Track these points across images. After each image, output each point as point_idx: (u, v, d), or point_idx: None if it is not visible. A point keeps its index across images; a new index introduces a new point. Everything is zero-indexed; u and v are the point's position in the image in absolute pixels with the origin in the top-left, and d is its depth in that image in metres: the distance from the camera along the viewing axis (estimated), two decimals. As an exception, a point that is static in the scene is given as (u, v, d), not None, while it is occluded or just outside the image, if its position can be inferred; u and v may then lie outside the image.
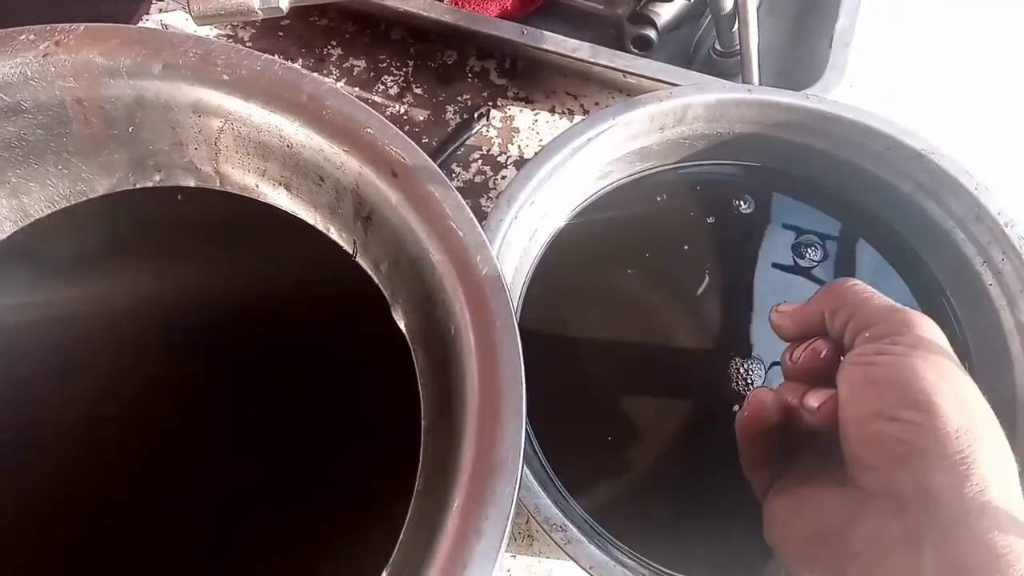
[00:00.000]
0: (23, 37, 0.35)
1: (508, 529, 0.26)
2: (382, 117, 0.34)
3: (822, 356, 0.33)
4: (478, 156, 0.57)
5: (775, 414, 0.34)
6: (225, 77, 0.35)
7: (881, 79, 0.64)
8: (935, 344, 0.30)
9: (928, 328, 0.31)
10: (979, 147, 0.59)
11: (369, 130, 0.34)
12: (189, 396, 0.44)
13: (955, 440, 0.27)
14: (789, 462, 0.35)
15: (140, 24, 0.60)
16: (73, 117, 0.37)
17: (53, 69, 0.35)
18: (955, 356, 0.31)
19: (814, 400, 0.32)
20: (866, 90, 0.63)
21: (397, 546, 0.30)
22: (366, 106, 0.35)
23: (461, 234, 0.32)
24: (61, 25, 0.36)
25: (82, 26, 0.36)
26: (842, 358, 0.33)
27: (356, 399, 0.41)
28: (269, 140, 0.36)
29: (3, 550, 0.40)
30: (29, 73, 0.35)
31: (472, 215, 0.32)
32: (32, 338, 0.43)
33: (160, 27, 0.59)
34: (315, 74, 0.51)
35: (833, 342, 0.34)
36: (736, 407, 0.42)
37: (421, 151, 0.33)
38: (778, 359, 0.40)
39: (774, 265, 0.46)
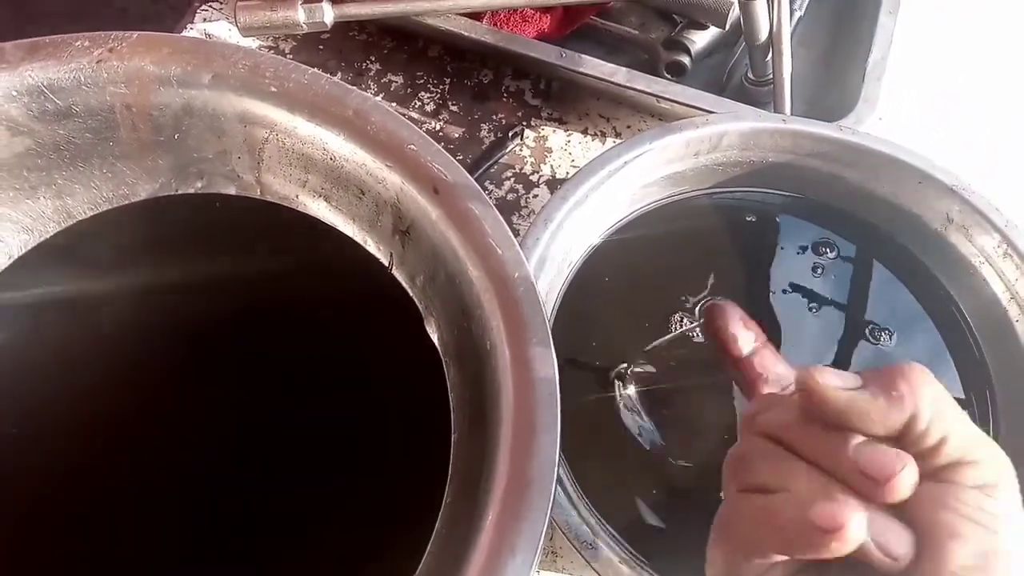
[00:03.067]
0: (78, 44, 0.36)
1: (541, 546, 0.26)
2: (424, 134, 0.35)
3: (912, 483, 0.25)
4: (511, 174, 0.58)
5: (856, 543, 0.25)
6: (273, 89, 0.36)
7: (910, 112, 0.64)
8: None
9: None
10: (1007, 184, 0.60)
11: (412, 147, 0.35)
12: (218, 401, 0.45)
13: None
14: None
15: (184, 32, 0.61)
16: (121, 122, 0.38)
17: (105, 75, 0.36)
18: None
19: (899, 548, 0.25)
20: (895, 123, 0.63)
21: (424, 558, 0.30)
22: (409, 123, 0.35)
23: (499, 251, 0.32)
24: (115, 33, 0.36)
25: (135, 34, 0.37)
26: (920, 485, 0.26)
27: (386, 410, 0.42)
28: (312, 152, 0.37)
29: (6, 544, 0.41)
30: (82, 78, 0.36)
31: (510, 233, 0.33)
32: (64, 333, 0.44)
33: (204, 36, 0.60)
34: (360, 89, 0.52)
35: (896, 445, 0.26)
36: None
37: (462, 169, 0.34)
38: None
39: (800, 291, 0.47)
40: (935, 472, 0.26)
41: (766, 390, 0.32)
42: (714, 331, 0.34)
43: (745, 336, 0.33)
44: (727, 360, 0.34)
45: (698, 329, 0.33)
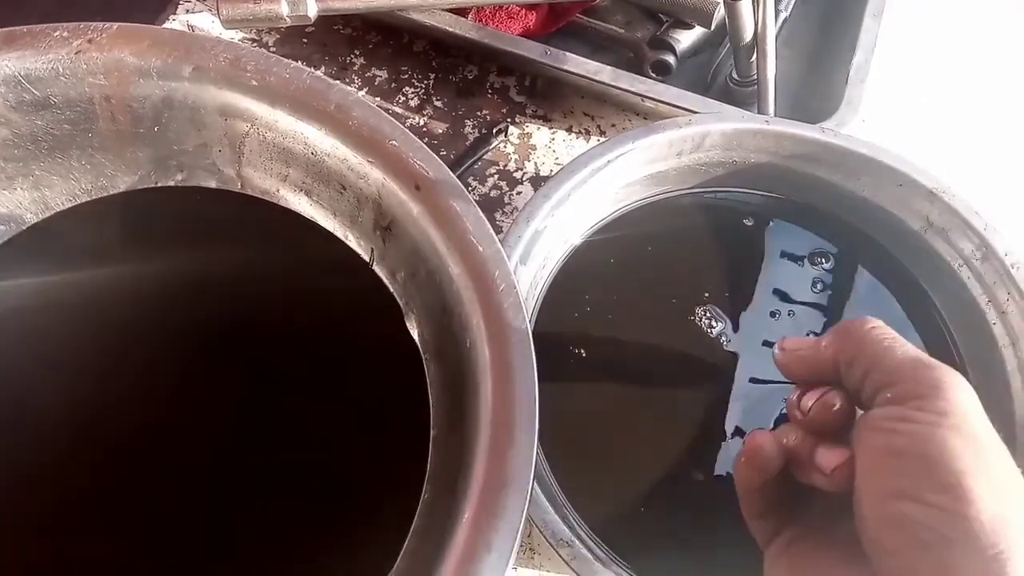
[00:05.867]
0: (57, 34, 0.36)
1: (517, 543, 0.26)
2: (407, 130, 0.35)
3: (835, 409, 0.30)
4: (495, 171, 0.58)
5: (776, 461, 0.30)
6: (254, 83, 0.36)
7: (893, 115, 0.65)
8: (968, 412, 0.26)
9: (960, 391, 0.26)
10: (987, 187, 0.60)
11: (394, 142, 0.34)
12: (192, 396, 0.44)
13: (989, 531, 0.24)
14: (795, 511, 0.32)
15: (167, 24, 0.60)
16: (100, 114, 0.38)
17: (84, 66, 0.36)
18: (991, 426, 0.26)
19: (826, 461, 0.28)
20: (878, 125, 0.63)
21: (401, 555, 0.30)
22: (392, 118, 0.35)
23: (480, 249, 0.32)
24: (94, 24, 0.36)
25: (115, 25, 0.36)
26: (859, 413, 0.30)
27: (365, 407, 0.42)
28: (294, 147, 0.37)
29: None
30: (60, 69, 0.36)
31: (492, 230, 0.33)
32: (41, 327, 0.44)
33: (186, 28, 0.60)
34: (342, 84, 0.52)
35: (848, 392, 0.30)
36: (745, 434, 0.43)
37: (444, 165, 0.34)
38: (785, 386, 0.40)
39: (781, 293, 0.47)
40: (866, 403, 0.29)
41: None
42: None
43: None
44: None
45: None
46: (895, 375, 0.28)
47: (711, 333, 0.45)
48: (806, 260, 0.48)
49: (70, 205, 0.40)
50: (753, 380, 0.44)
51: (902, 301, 0.48)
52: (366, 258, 0.38)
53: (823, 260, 0.48)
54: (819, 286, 0.47)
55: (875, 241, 0.49)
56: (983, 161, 0.63)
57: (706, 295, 0.46)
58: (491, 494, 0.27)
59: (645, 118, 0.61)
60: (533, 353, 0.30)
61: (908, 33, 0.69)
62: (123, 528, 0.42)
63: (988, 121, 0.66)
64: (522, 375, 0.30)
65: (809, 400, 0.30)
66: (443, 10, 0.57)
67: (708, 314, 0.45)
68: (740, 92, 0.62)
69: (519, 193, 0.57)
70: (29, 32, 0.35)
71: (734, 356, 0.45)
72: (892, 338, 0.29)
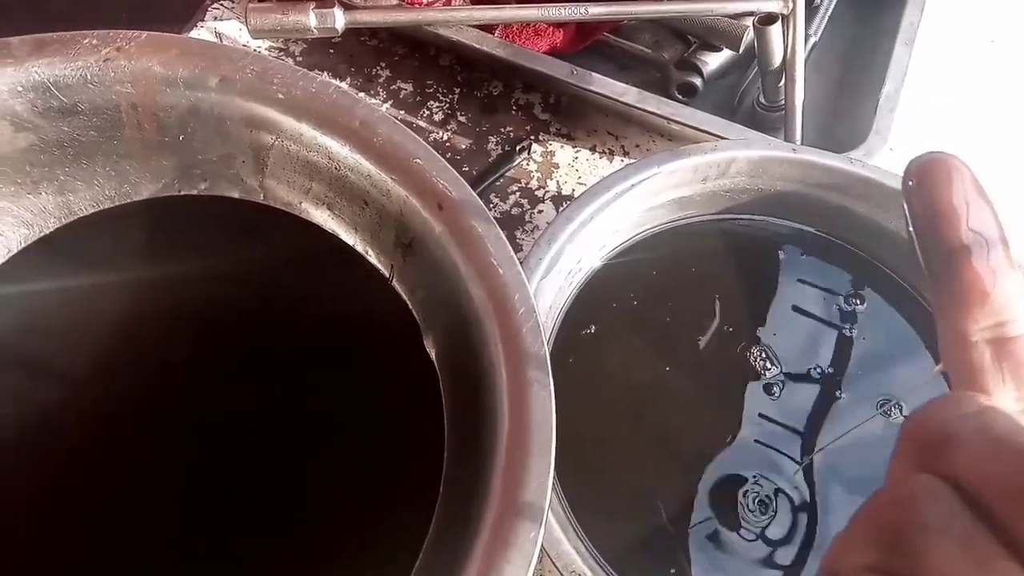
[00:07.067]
0: (86, 41, 0.36)
1: (530, 573, 0.26)
2: (431, 148, 0.35)
3: None
4: (516, 188, 0.58)
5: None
6: (280, 96, 0.36)
7: (922, 146, 0.64)
8: None
9: None
10: (1019, 224, 0.59)
11: (418, 160, 0.34)
12: (203, 407, 0.44)
13: None
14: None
15: (195, 30, 0.61)
16: (127, 122, 0.38)
17: (112, 74, 0.36)
18: None
19: None
20: (906, 156, 0.62)
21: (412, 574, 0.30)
22: (416, 136, 0.35)
23: (501, 271, 0.32)
24: (123, 32, 0.36)
25: (144, 34, 0.36)
26: None
27: (380, 424, 0.41)
28: (318, 160, 0.37)
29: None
30: (89, 76, 0.36)
31: (513, 253, 0.33)
32: (60, 330, 0.44)
33: (214, 35, 0.60)
34: (368, 98, 0.52)
35: None
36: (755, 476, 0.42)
37: (467, 186, 0.34)
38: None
39: (802, 317, 0.46)
40: None
41: (977, 323, 0.20)
42: (933, 198, 0.22)
43: (980, 214, 0.21)
44: (934, 246, 0.21)
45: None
46: None
47: (760, 369, 0.44)
48: (829, 289, 0.47)
49: (93, 210, 0.40)
50: (773, 408, 0.43)
51: (923, 335, 0.47)
52: (386, 274, 0.38)
53: (846, 290, 0.47)
54: (843, 316, 0.47)
55: (899, 272, 0.48)
56: (1015, 196, 0.62)
57: (727, 321, 0.46)
58: (505, 523, 0.27)
59: (670, 140, 0.60)
60: (551, 379, 0.30)
61: (939, 62, 0.68)
62: (133, 542, 0.42)
63: (1021, 155, 0.65)
64: (539, 400, 0.29)
65: None
66: (470, 26, 0.57)
67: (762, 352, 0.44)
68: (767, 116, 0.61)
69: (540, 211, 0.57)
70: (59, 39, 0.35)
71: (753, 382, 0.44)
72: None
